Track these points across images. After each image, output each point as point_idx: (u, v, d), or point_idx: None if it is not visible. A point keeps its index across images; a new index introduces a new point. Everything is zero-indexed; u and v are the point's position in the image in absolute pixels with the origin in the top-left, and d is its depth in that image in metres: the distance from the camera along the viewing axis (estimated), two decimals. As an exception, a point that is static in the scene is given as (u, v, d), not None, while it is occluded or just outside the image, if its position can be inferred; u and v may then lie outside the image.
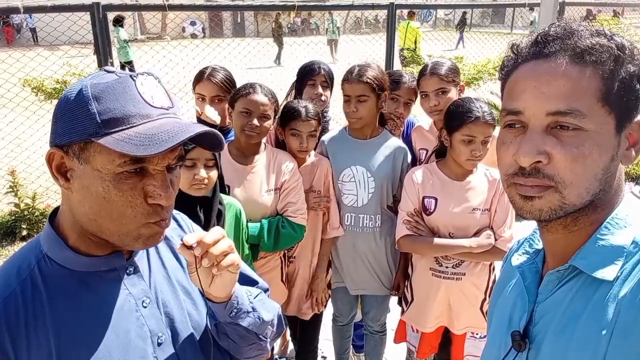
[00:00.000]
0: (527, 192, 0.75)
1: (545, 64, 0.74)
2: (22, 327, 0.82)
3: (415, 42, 11.06)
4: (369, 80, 2.18)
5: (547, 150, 0.72)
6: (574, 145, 0.71)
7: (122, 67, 8.39)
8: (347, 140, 2.35)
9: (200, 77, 2.40)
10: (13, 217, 4.70)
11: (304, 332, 2.56)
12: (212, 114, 2.30)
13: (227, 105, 2.25)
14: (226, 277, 0.93)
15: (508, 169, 0.78)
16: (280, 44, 17.36)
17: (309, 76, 2.49)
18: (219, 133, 0.89)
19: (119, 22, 10.65)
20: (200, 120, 2.28)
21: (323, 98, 2.46)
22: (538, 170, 0.73)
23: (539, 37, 0.77)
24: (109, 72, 0.84)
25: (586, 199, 0.74)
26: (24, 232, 4.58)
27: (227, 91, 2.39)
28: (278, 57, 17.32)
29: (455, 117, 2.00)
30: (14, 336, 0.81)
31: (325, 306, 2.48)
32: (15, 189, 4.64)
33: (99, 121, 0.78)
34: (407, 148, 2.40)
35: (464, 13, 21.08)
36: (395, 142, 2.36)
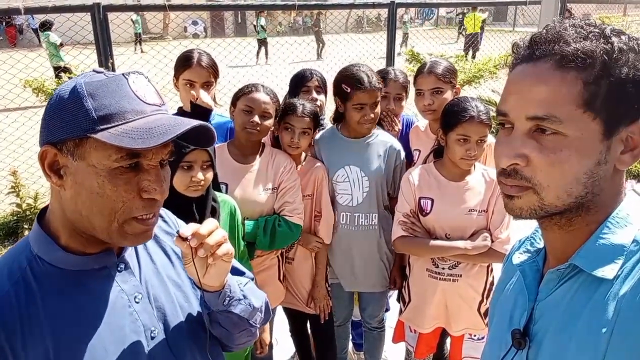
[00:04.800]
0: (508, 192, 0.79)
1: (531, 68, 0.76)
2: (17, 327, 0.83)
3: (482, 28, 14.91)
4: (380, 85, 2.24)
5: (526, 153, 0.74)
6: (552, 150, 0.73)
7: (60, 70, 7.91)
8: (340, 140, 2.35)
9: (187, 63, 2.31)
10: (15, 218, 4.72)
11: (318, 332, 2.55)
12: (208, 99, 2.28)
13: (214, 92, 2.30)
14: (220, 266, 0.96)
15: (497, 168, 0.80)
16: (320, 41, 17.64)
17: (302, 83, 2.52)
18: (211, 127, 0.90)
19: (44, 26, 9.64)
20: (194, 107, 2.25)
21: (318, 102, 2.47)
22: (517, 171, 0.76)
23: (533, 39, 0.78)
24: (98, 72, 0.85)
25: (568, 201, 0.75)
26: (26, 232, 4.59)
27: (215, 76, 2.38)
28: (319, 52, 17.71)
29: (451, 116, 1.99)
30: (10, 336, 0.82)
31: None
32: (17, 189, 4.65)
33: (95, 117, 0.79)
34: (400, 145, 2.40)
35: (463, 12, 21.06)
36: (387, 139, 2.37)
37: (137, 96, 0.83)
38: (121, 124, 0.80)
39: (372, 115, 2.22)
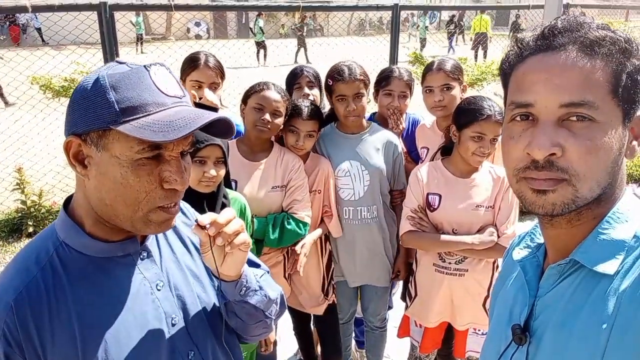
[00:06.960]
0: (540, 186, 0.73)
1: (556, 56, 0.73)
2: (45, 311, 0.85)
3: (486, 29, 16.08)
4: (362, 77, 2.27)
5: (561, 142, 0.71)
6: (587, 137, 0.70)
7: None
8: (339, 136, 2.39)
9: (195, 64, 2.36)
10: (19, 214, 4.72)
11: (323, 329, 2.56)
12: (214, 97, 2.32)
13: (220, 93, 2.34)
14: (237, 255, 0.97)
15: (518, 164, 0.76)
16: (302, 44, 17.51)
17: (293, 81, 2.56)
18: (230, 119, 0.91)
19: None
20: (198, 105, 2.29)
21: (311, 97, 2.50)
22: (551, 163, 0.72)
23: (546, 30, 0.75)
24: (120, 63, 0.86)
25: (596, 192, 0.73)
26: (30, 229, 4.61)
27: (222, 77, 2.41)
28: (301, 55, 17.42)
29: (467, 113, 2.02)
30: (37, 321, 0.84)
31: (334, 298, 2.49)
32: (22, 186, 4.65)
33: (117, 109, 0.81)
34: (396, 138, 2.44)
35: (452, 16, 20.86)
36: (384, 134, 2.41)
37: (159, 88, 0.84)
38: (142, 116, 0.81)
39: (354, 107, 2.25)
